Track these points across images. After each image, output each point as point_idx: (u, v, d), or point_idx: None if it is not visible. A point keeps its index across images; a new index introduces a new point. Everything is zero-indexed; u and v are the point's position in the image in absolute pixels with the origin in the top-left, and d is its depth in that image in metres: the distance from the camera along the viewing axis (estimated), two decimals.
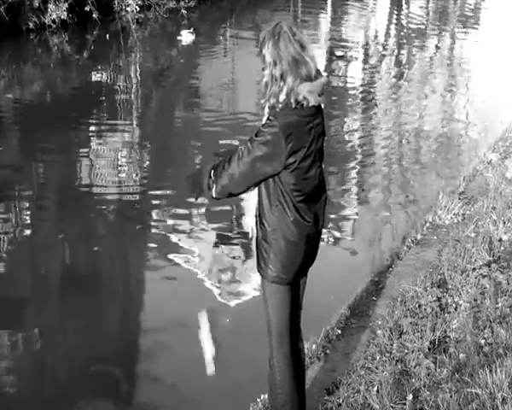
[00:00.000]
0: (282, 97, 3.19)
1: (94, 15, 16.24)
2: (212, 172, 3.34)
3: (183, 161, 9.50)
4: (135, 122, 11.12)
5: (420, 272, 5.56)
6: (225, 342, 5.40)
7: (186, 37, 15.54)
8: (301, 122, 3.20)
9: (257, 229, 3.44)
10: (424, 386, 4.05)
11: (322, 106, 3.35)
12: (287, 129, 3.14)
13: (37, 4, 15.12)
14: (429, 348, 4.43)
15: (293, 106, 3.17)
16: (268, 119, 3.22)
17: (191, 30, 15.43)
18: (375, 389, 4.06)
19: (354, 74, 14.41)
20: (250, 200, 3.45)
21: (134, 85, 13.15)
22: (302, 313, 3.72)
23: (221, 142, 9.75)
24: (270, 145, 3.16)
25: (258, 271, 3.48)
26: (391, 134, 10.85)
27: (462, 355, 4.27)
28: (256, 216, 3.44)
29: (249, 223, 3.52)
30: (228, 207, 7.66)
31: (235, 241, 7.04)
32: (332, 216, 7.44)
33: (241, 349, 5.31)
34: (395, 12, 22.49)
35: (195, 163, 9.54)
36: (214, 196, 3.36)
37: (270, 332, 3.55)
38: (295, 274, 3.45)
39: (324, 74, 3.30)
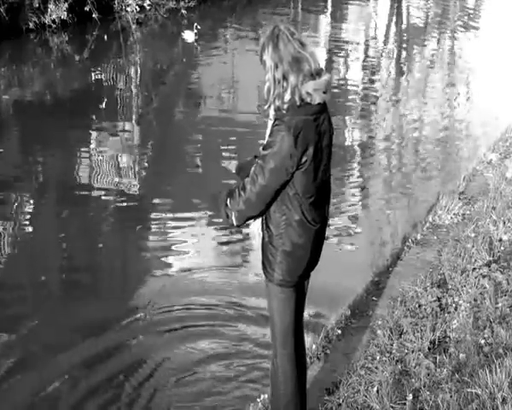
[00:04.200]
0: (287, 97, 3.18)
1: (94, 15, 16.24)
2: (228, 200, 3.35)
3: (184, 160, 9.51)
4: (135, 122, 11.12)
5: (420, 272, 5.57)
6: (226, 343, 5.40)
7: (188, 36, 15.56)
8: (308, 121, 3.19)
9: (263, 232, 3.44)
10: (424, 386, 4.05)
11: (327, 103, 3.34)
12: (295, 129, 3.14)
13: (37, 4, 15.12)
14: (429, 348, 4.44)
15: (298, 103, 3.16)
16: (274, 124, 3.21)
17: (195, 28, 15.40)
18: (375, 389, 4.06)
19: (354, 74, 14.42)
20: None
21: (134, 85, 13.16)
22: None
23: (222, 146, 9.82)
24: (281, 152, 3.14)
25: (264, 273, 3.48)
26: (391, 134, 10.86)
27: (462, 355, 4.27)
28: (262, 219, 3.43)
29: (254, 226, 3.52)
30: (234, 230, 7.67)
31: (237, 242, 7.04)
32: (332, 216, 7.44)
33: (242, 350, 5.31)
34: (395, 12, 22.49)
35: (195, 163, 9.56)
36: (235, 224, 3.37)
37: (274, 333, 3.56)
38: (300, 276, 3.46)
39: (327, 72, 3.30)
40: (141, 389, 4.96)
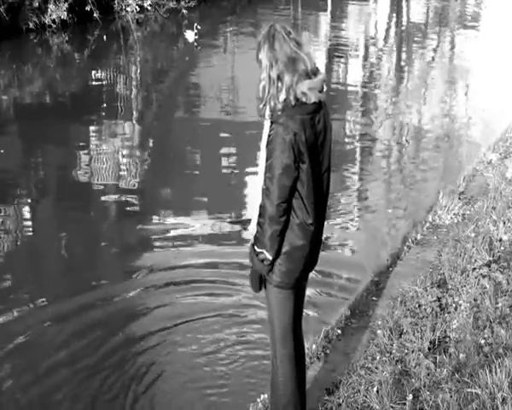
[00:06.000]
0: (282, 97, 3.19)
1: (95, 15, 16.24)
2: (256, 247, 3.33)
3: (183, 160, 9.53)
4: (135, 122, 11.13)
5: (420, 272, 5.56)
6: (226, 344, 5.40)
7: (189, 35, 15.59)
8: (304, 120, 3.19)
9: None
10: (424, 386, 4.04)
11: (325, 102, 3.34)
12: (292, 129, 3.14)
13: (37, 4, 15.14)
14: (429, 348, 4.43)
15: (293, 103, 3.17)
16: (271, 129, 3.21)
17: (195, 28, 15.42)
18: (375, 389, 4.05)
19: (354, 74, 14.42)
20: (255, 206, 3.43)
21: (134, 85, 13.16)
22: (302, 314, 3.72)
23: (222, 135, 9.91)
24: (284, 153, 3.15)
25: None
26: (390, 134, 10.86)
27: (462, 355, 4.26)
28: None
29: (254, 228, 3.50)
30: (231, 211, 7.73)
31: (236, 242, 7.04)
32: (332, 216, 7.44)
33: (241, 351, 5.31)
34: (395, 11, 22.49)
35: (195, 162, 9.58)
36: (271, 257, 3.31)
37: (273, 334, 3.57)
38: (298, 278, 3.46)
39: (323, 71, 3.30)
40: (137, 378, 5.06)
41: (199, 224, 7.48)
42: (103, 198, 8.20)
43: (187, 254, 6.79)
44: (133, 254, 7.00)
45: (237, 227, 7.44)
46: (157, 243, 7.14)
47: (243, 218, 7.57)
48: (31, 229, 7.55)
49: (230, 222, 7.56)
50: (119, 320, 5.72)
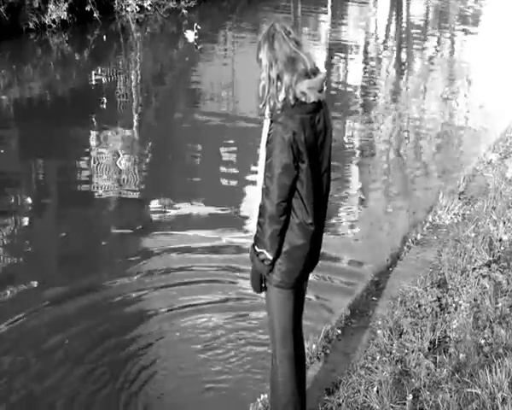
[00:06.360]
0: (282, 96, 3.19)
1: (95, 15, 16.24)
2: (256, 247, 3.32)
3: (184, 161, 9.53)
4: (135, 122, 11.13)
5: (420, 272, 5.56)
6: (225, 343, 5.39)
7: (189, 35, 15.60)
8: (303, 119, 3.19)
9: None
10: (424, 386, 4.04)
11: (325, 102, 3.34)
12: (292, 128, 3.14)
13: (37, 4, 15.13)
14: (429, 348, 4.43)
15: (292, 103, 3.17)
16: (270, 128, 3.21)
17: (195, 28, 15.43)
18: (375, 389, 4.05)
19: (354, 74, 14.42)
20: (254, 206, 3.43)
21: (134, 85, 13.15)
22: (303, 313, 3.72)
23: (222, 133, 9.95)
24: (283, 152, 3.15)
25: None
26: (391, 134, 10.86)
27: (462, 355, 4.27)
28: None
29: (253, 228, 3.51)
30: (231, 212, 7.75)
31: (236, 242, 7.04)
32: (332, 216, 7.44)
33: (241, 350, 5.31)
34: (395, 12, 22.49)
35: (195, 163, 9.59)
36: (271, 257, 3.31)
37: (273, 333, 3.57)
38: (298, 278, 3.46)
39: (323, 71, 3.31)
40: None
41: (196, 212, 7.69)
42: (102, 190, 8.32)
43: (184, 241, 6.90)
44: (130, 240, 7.11)
45: (235, 215, 7.63)
46: (154, 230, 7.27)
47: (241, 208, 7.75)
48: (29, 218, 7.60)
49: (228, 211, 7.74)
50: (114, 306, 5.78)
